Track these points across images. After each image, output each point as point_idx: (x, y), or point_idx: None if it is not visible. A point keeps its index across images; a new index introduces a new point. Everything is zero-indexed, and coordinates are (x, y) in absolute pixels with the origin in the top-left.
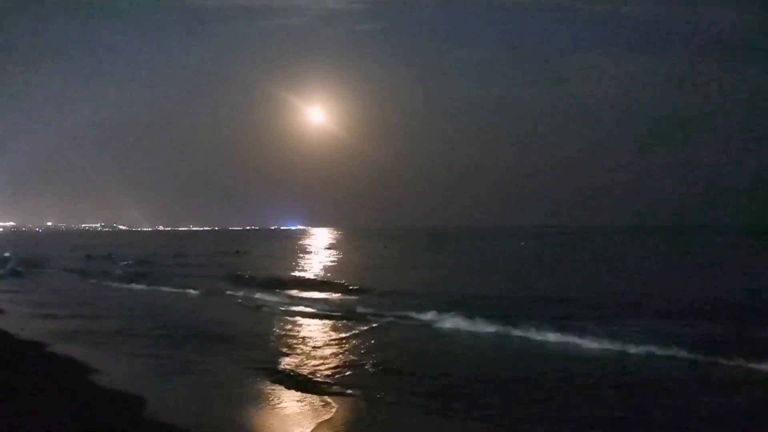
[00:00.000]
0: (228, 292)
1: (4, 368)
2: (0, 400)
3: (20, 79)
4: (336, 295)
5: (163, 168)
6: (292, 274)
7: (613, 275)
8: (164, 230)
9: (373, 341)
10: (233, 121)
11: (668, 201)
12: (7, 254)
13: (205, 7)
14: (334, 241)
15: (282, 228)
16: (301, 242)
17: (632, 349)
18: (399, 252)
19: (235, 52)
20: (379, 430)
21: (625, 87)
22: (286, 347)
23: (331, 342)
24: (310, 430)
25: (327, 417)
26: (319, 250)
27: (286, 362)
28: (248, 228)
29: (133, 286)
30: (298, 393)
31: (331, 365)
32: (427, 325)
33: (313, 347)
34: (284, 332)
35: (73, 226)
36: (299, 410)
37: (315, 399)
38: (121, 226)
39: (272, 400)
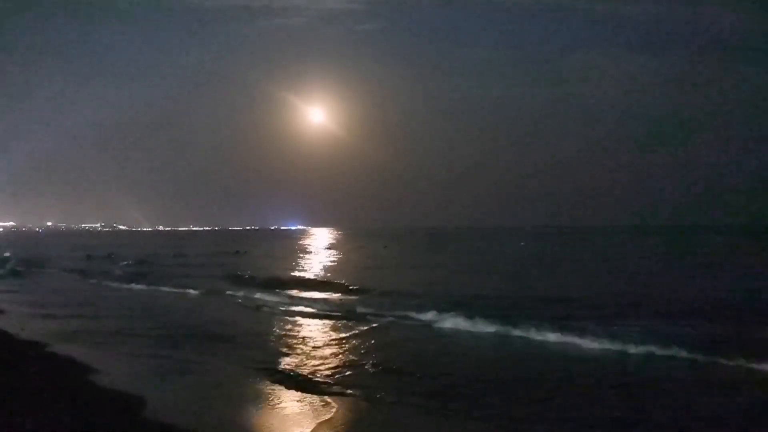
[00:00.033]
0: (228, 292)
1: (4, 368)
2: (0, 400)
3: (20, 79)
4: (336, 295)
5: (163, 168)
6: (292, 274)
7: (613, 275)
8: (164, 230)
9: (373, 341)
10: (233, 121)
11: (668, 201)
12: (7, 254)
13: (205, 7)
14: (334, 241)
15: (282, 228)
16: (301, 242)
17: (632, 349)
18: (399, 252)
19: (235, 52)
20: (380, 430)
21: (625, 87)
22: (286, 347)
23: (331, 342)
24: (310, 430)
25: (327, 417)
26: (319, 250)
27: (286, 362)
28: (248, 228)
29: (133, 286)
30: (298, 393)
31: (331, 365)
32: (427, 325)
33: (313, 347)
34: (284, 332)
35: (73, 226)
36: (299, 410)
37: (315, 399)
38: (121, 226)
39: (272, 400)
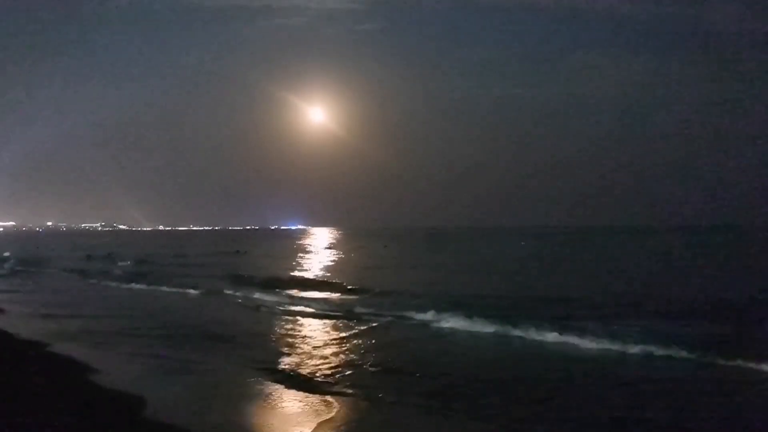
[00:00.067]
0: (228, 292)
1: (4, 368)
2: (0, 400)
3: (20, 79)
4: (336, 295)
5: (163, 168)
6: (292, 273)
7: (613, 275)
8: (164, 230)
9: (373, 341)
10: (233, 121)
11: (668, 201)
12: (7, 254)
13: (205, 7)
14: (334, 241)
15: (282, 228)
16: (301, 242)
17: (632, 349)
18: (399, 252)
19: (235, 52)
20: (380, 430)
21: (625, 87)
22: (286, 347)
23: (331, 342)
24: (310, 429)
25: (327, 417)
26: (319, 250)
27: (286, 362)
28: (248, 228)
29: (133, 286)
30: (299, 393)
31: (331, 365)
32: (427, 325)
33: (313, 347)
34: (284, 332)
35: (73, 226)
36: (299, 410)
37: (315, 399)
38: (121, 226)
39: (272, 399)
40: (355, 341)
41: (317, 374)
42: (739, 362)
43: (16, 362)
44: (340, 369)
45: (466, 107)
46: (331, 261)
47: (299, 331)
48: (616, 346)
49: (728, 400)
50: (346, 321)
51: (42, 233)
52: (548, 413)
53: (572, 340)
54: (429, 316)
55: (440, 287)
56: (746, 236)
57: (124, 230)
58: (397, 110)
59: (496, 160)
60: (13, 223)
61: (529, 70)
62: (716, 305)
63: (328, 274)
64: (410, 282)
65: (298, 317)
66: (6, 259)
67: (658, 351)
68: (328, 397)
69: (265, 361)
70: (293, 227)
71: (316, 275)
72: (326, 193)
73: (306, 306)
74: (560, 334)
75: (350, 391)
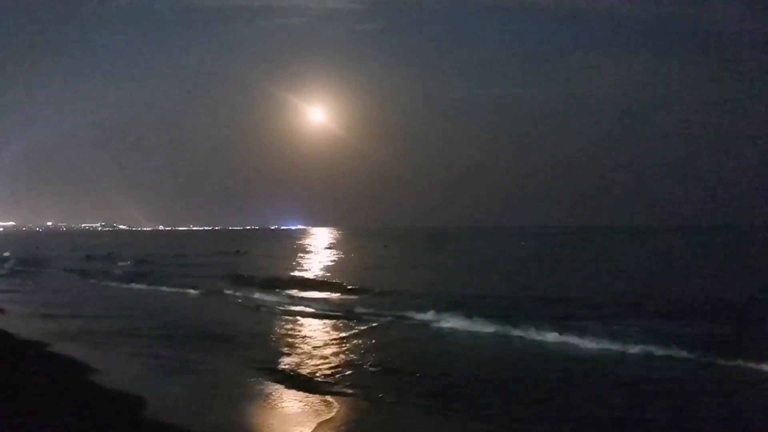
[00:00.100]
0: (228, 292)
1: (4, 368)
2: (0, 400)
3: (20, 79)
4: (336, 295)
5: (163, 168)
6: (292, 273)
7: (613, 275)
8: (164, 230)
9: (373, 341)
10: (233, 121)
11: (668, 201)
12: (6, 254)
13: (205, 7)
14: (334, 241)
15: (282, 228)
16: (301, 242)
17: (632, 349)
18: (399, 252)
19: (235, 52)
20: (380, 430)
21: (625, 87)
22: (286, 347)
23: (331, 342)
24: (310, 430)
25: (327, 417)
26: (319, 250)
27: (286, 362)
28: (248, 228)
29: (133, 285)
30: (299, 393)
31: (331, 365)
32: (427, 325)
33: (313, 347)
34: (284, 332)
35: (73, 225)
36: (300, 410)
37: (315, 399)
38: (121, 226)
39: (272, 399)
40: (355, 341)
41: (317, 374)
42: (739, 362)
43: (16, 362)
44: (340, 369)
45: (466, 107)
46: (331, 261)
47: (299, 331)
48: (616, 346)
49: (728, 400)
50: (346, 321)
51: (42, 233)
52: (548, 413)
53: (572, 340)
54: (429, 316)
55: (440, 287)
56: (746, 236)
57: (124, 230)
58: (397, 110)
59: (496, 160)
60: (13, 223)
61: (529, 70)
62: (716, 305)
63: (328, 274)
64: (410, 282)
65: (298, 317)
66: (6, 259)
67: (658, 351)
68: (328, 397)
69: (265, 361)
70: (293, 227)
71: (316, 275)
72: (326, 193)
73: (306, 306)
74: (560, 334)
75: (350, 391)
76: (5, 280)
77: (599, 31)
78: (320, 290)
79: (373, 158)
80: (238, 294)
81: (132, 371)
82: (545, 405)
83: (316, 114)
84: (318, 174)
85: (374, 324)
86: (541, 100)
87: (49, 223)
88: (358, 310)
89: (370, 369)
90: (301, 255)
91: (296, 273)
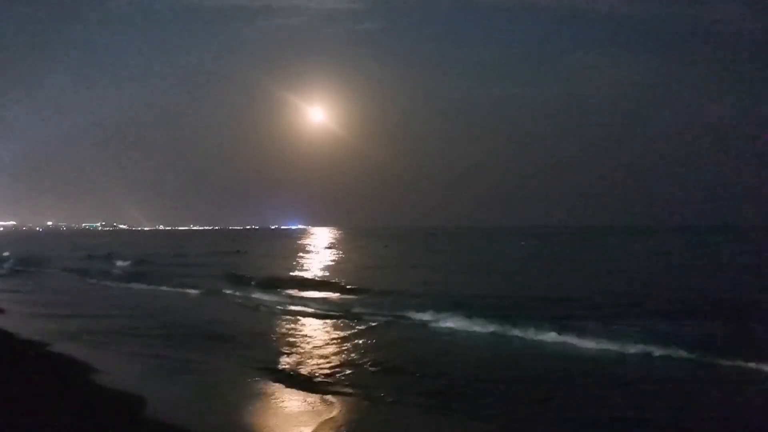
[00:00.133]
0: (228, 292)
1: (4, 368)
2: (0, 400)
3: (20, 79)
4: (336, 295)
5: (163, 168)
6: (292, 273)
7: (613, 275)
8: (164, 230)
9: (372, 341)
10: (233, 121)
11: (668, 201)
12: (6, 254)
13: (205, 7)
14: (334, 241)
15: (282, 227)
16: (301, 242)
17: (632, 349)
18: (399, 252)
19: (235, 52)
20: (380, 430)
21: (625, 87)
22: (286, 347)
23: (331, 341)
24: (311, 429)
25: (328, 416)
26: (319, 250)
27: (286, 362)
28: (248, 227)
29: (133, 285)
30: (299, 392)
31: (331, 364)
32: (427, 325)
33: (313, 347)
34: (284, 332)
35: (73, 225)
36: (300, 410)
37: (315, 398)
38: (121, 226)
39: (272, 399)
40: (354, 341)
41: (317, 374)
42: (739, 362)
43: (16, 362)
44: (340, 368)
45: (466, 107)
46: (331, 261)
47: (299, 330)
48: (615, 346)
49: (728, 400)
50: (345, 321)
51: (42, 233)
52: (548, 413)
53: (572, 340)
54: (428, 315)
55: (440, 287)
56: (746, 236)
57: (124, 230)
58: (397, 110)
59: (496, 160)
60: (14, 222)
61: (529, 70)
62: (716, 305)
63: (328, 274)
64: (410, 282)
65: (298, 317)
66: (6, 259)
67: (658, 351)
68: (329, 397)
69: (265, 361)
70: (293, 227)
71: (316, 275)
72: (326, 193)
73: (306, 306)
74: (560, 334)
75: (350, 390)
76: (5, 280)
77: (599, 31)
78: (320, 290)
79: (373, 158)
80: (238, 294)
81: (132, 371)
82: (545, 405)
83: (316, 114)
84: (318, 174)
85: (374, 324)
86: (541, 100)
87: (50, 223)
88: (358, 309)
89: (370, 368)
90: (301, 255)
91: (296, 273)
